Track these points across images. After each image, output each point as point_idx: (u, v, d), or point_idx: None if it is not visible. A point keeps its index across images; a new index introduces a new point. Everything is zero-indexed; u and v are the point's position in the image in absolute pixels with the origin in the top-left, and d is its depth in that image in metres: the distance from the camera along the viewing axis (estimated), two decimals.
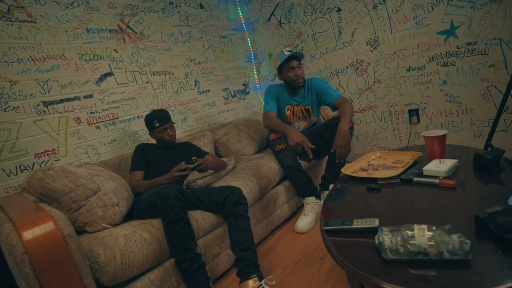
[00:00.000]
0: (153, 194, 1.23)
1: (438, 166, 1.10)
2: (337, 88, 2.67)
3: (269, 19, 2.92)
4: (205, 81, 2.64)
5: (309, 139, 1.93)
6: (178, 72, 2.42)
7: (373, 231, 0.78)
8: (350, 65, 2.54)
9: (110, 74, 1.97)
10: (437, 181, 1.00)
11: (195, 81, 2.55)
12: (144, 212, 1.34)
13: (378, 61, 2.40)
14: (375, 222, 0.80)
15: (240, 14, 3.06)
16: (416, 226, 0.69)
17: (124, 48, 2.06)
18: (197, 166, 1.55)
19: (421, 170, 1.12)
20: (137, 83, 2.12)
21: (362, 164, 1.41)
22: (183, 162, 1.53)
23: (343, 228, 0.83)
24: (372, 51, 2.40)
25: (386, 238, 0.72)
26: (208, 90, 2.66)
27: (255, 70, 3.18)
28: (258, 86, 3.21)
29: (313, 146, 1.64)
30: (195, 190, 1.52)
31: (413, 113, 2.34)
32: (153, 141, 1.89)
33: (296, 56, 1.88)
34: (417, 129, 2.36)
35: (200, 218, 1.34)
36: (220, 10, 2.88)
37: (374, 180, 1.16)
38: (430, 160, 1.21)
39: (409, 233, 0.69)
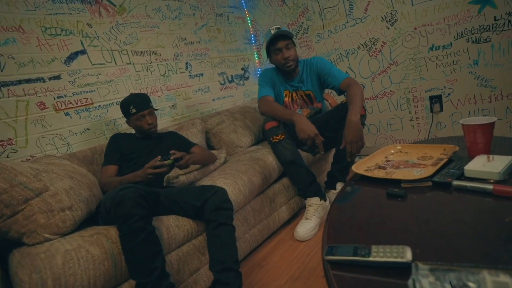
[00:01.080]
0: (108, 197, 0.97)
1: (487, 165, 0.80)
2: (346, 72, 2.35)
3: None
4: (197, 64, 2.35)
5: (317, 127, 1.65)
6: (166, 53, 2.13)
7: (403, 268, 0.50)
8: (363, 45, 2.22)
9: (83, 52, 1.70)
10: (490, 186, 0.70)
11: (186, 63, 2.27)
12: (106, 218, 1.09)
13: (395, 40, 2.06)
14: (406, 254, 0.52)
15: None
16: (486, 273, 0.41)
17: (100, 23, 1.78)
18: (176, 161, 1.29)
19: (462, 170, 0.83)
20: (116, 64, 1.85)
21: (379, 160, 1.12)
22: (159, 157, 1.26)
23: (356, 260, 0.55)
24: (389, 28, 2.07)
25: (427, 285, 0.44)
26: (202, 74, 2.37)
27: (255, 52, 2.87)
28: (259, 71, 2.90)
29: (323, 139, 1.36)
30: (170, 190, 1.25)
31: (435, 100, 2.02)
32: (133, 131, 1.63)
33: (284, 35, 1.57)
34: (439, 119, 2.04)
35: (173, 226, 1.08)
36: None
37: (396, 182, 0.88)
38: (470, 157, 0.91)
39: (471, 281, 0.41)
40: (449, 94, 1.96)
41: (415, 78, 2.06)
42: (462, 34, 1.82)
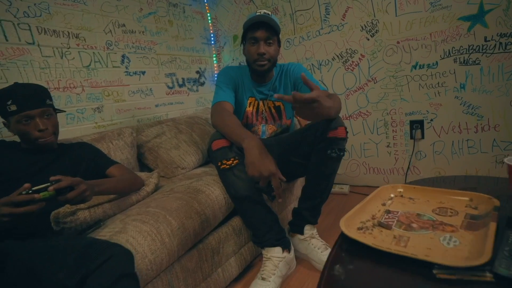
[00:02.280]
0: None
1: None
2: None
3: None
4: (138, 59, 1.86)
5: (278, 151, 1.25)
6: (94, 39, 1.62)
7: None
8: (338, 56, 1.92)
9: None
10: None
11: (123, 56, 1.77)
12: None
13: (375, 53, 1.80)
14: None
15: None
16: None
17: None
18: (59, 193, 0.79)
19: None
20: (7, 40, 1.30)
21: (375, 210, 0.74)
22: (26, 185, 0.76)
23: None
24: (368, 39, 1.80)
25: None
26: (143, 72, 1.88)
27: (214, 55, 2.45)
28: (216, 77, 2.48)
29: (284, 179, 0.95)
30: (38, 247, 0.74)
31: (416, 125, 1.76)
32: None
33: (269, 25, 1.18)
34: (420, 147, 1.78)
35: None
36: None
37: (418, 262, 0.49)
38: None
39: None
40: (431, 120, 1.72)
41: (395, 99, 1.79)
42: (449, 53, 1.60)
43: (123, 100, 1.76)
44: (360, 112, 1.93)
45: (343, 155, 1.15)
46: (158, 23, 2.00)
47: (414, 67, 1.70)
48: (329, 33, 1.92)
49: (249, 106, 1.37)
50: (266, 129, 1.41)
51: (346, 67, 1.90)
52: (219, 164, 1.07)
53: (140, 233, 0.83)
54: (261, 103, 1.37)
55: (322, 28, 1.94)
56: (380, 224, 0.66)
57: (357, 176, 2.03)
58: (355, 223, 0.67)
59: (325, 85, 2.00)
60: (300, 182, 1.60)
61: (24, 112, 1.01)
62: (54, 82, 1.45)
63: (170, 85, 2.08)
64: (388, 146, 1.88)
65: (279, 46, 1.28)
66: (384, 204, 0.77)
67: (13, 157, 1.05)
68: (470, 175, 1.62)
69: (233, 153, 1.07)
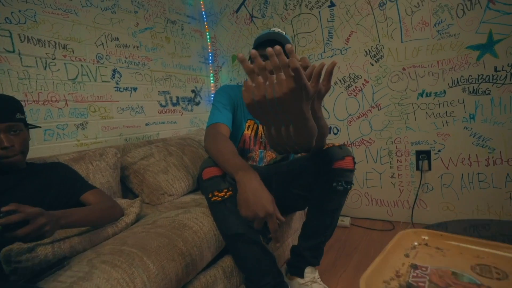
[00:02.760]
0: None
1: None
2: None
3: (237, 10, 2.18)
4: (131, 75, 1.75)
5: (276, 181, 1.13)
6: (83, 51, 1.51)
7: None
8: (341, 80, 1.85)
9: None
10: None
11: (114, 70, 1.66)
12: None
13: (380, 79, 1.72)
14: None
15: (201, 0, 2.30)
16: None
17: None
18: (7, 229, 0.65)
19: None
20: None
21: (398, 264, 0.60)
22: None
23: None
24: (373, 65, 1.73)
25: None
26: (135, 89, 1.77)
27: (212, 75, 2.37)
28: (213, 96, 2.39)
29: (283, 219, 0.81)
30: None
31: (423, 156, 1.65)
32: None
33: (280, 43, 1.08)
34: (427, 179, 1.67)
35: None
36: None
37: None
38: None
39: None
40: (439, 151, 1.62)
41: (401, 127, 1.70)
42: (457, 82, 1.53)
43: (110, 117, 1.63)
44: (363, 139, 1.82)
45: (350, 188, 1.03)
46: (155, 39, 1.92)
47: (421, 94, 1.62)
48: (331, 56, 1.86)
49: (247, 129, 1.25)
50: (264, 156, 1.29)
51: (349, 92, 1.82)
52: (210, 195, 0.93)
53: (108, 282, 0.67)
54: (260, 126, 1.25)
55: (324, 52, 1.88)
56: (409, 286, 0.52)
57: (359, 208, 1.89)
58: (377, 284, 0.53)
59: (326, 110, 1.91)
60: (299, 215, 1.45)
61: None
62: (33, 94, 1.32)
63: (163, 103, 1.96)
64: (392, 176, 1.77)
65: None
66: (407, 256, 0.64)
67: None
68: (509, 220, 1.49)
69: (227, 183, 0.93)
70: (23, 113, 0.98)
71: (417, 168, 1.68)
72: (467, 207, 1.58)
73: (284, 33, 1.12)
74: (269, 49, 0.60)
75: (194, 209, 1.03)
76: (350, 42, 1.78)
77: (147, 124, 1.84)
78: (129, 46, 1.75)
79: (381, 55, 1.70)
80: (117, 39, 1.68)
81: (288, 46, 0.58)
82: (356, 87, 1.80)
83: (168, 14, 2.04)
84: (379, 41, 1.70)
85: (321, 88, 0.71)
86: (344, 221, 1.81)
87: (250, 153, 1.28)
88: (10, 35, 1.26)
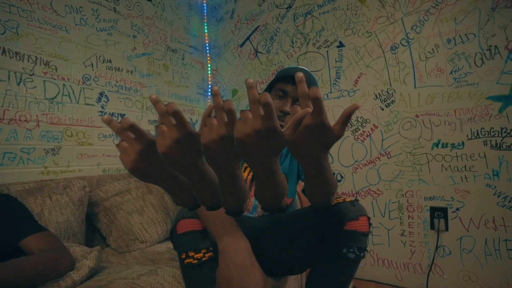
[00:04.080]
0: None
1: None
2: None
3: (242, 45, 2.12)
4: (119, 100, 1.61)
5: (271, 238, 0.92)
6: (68, 69, 1.38)
7: None
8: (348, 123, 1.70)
9: None
10: None
11: (101, 93, 1.51)
12: None
13: (390, 125, 1.58)
14: None
15: (206, 32, 2.25)
16: None
17: None
18: None
19: None
20: None
21: None
22: None
23: None
24: (383, 109, 1.61)
25: None
26: (122, 115, 1.61)
27: None
28: None
29: None
30: None
31: (439, 214, 1.45)
32: None
33: (308, 82, 0.91)
34: (443, 241, 1.45)
35: None
36: (178, 15, 2.04)
37: None
38: None
39: None
40: (457, 209, 1.42)
41: (413, 179, 1.52)
42: (478, 134, 1.39)
43: (89, 143, 1.44)
44: (369, 189, 1.63)
45: (364, 256, 0.81)
46: (152, 66, 1.81)
47: (436, 145, 1.47)
48: (338, 98, 1.74)
49: (244, 171, 1.06)
50: (259, 204, 1.08)
51: (356, 136, 1.67)
52: (183, 256, 0.71)
53: None
54: None
55: (331, 92, 1.76)
56: None
57: (362, 267, 1.64)
58: None
59: (330, 154, 1.75)
60: (295, 280, 1.20)
61: None
62: None
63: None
64: (402, 234, 1.54)
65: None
66: None
67: None
68: None
69: (207, 241, 0.71)
70: None
71: (432, 227, 1.47)
72: (493, 279, 1.34)
73: (309, 71, 0.97)
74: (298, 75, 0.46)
75: (163, 269, 0.80)
76: (359, 84, 1.68)
77: None
78: (122, 69, 1.62)
79: (392, 100, 1.58)
80: (110, 61, 1.56)
81: (248, 80, 0.42)
82: (363, 131, 1.65)
83: (169, 42, 1.96)
84: (390, 85, 1.59)
85: (330, 133, 0.54)
86: None
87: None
88: None
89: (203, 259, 0.70)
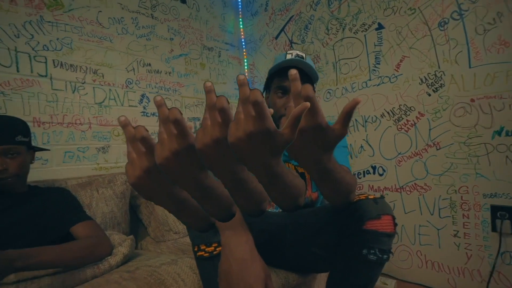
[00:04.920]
0: None
1: None
2: (361, 147, 1.67)
3: (277, 37, 2.08)
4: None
5: (292, 235, 0.90)
6: (113, 76, 1.53)
7: None
8: (389, 112, 1.56)
9: None
10: None
11: (142, 95, 1.65)
12: None
13: (439, 112, 1.40)
14: None
15: (241, 27, 2.27)
16: None
17: (8, 10, 1.22)
18: None
19: None
20: (18, 71, 1.23)
21: None
22: None
23: None
24: (430, 95, 1.43)
25: None
26: None
27: None
28: None
29: None
30: None
31: (503, 214, 1.25)
32: None
33: (302, 71, 0.88)
34: (509, 246, 1.25)
35: None
36: (212, 14, 2.10)
37: None
38: None
39: None
40: None
41: (468, 173, 1.33)
42: None
43: None
44: (415, 184, 1.48)
45: (387, 259, 0.75)
46: (188, 65, 1.90)
47: (498, 133, 1.26)
48: (378, 85, 1.60)
49: None
50: None
51: (399, 126, 1.53)
52: (196, 249, 0.74)
53: None
54: None
55: (370, 79, 1.63)
56: None
57: (409, 269, 1.51)
58: None
59: (370, 145, 1.63)
60: (324, 277, 1.17)
61: None
62: (58, 116, 1.33)
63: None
64: (456, 235, 1.37)
65: None
66: None
67: None
68: None
69: (219, 236, 0.74)
70: (26, 135, 0.95)
71: (493, 229, 1.27)
72: None
73: (305, 55, 0.93)
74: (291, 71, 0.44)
75: (183, 260, 0.85)
76: (401, 68, 1.52)
77: None
78: (161, 71, 1.74)
79: (440, 84, 1.39)
80: (149, 64, 1.69)
81: (239, 77, 0.38)
82: (407, 120, 1.50)
83: (205, 41, 2.02)
84: (439, 67, 1.40)
85: (330, 133, 0.50)
86: (387, 284, 1.44)
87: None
88: (45, 61, 1.31)
89: (214, 252, 0.72)
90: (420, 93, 1.46)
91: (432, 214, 1.43)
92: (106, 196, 1.19)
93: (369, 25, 1.62)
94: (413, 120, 1.48)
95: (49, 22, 1.32)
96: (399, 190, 1.53)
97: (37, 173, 1.21)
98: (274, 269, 0.96)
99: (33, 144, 1.01)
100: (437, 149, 1.41)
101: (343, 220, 0.77)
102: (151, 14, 1.72)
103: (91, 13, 1.46)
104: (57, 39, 1.35)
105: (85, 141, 1.41)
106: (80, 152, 1.39)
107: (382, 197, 0.79)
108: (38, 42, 1.29)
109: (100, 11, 1.50)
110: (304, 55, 0.93)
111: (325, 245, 0.85)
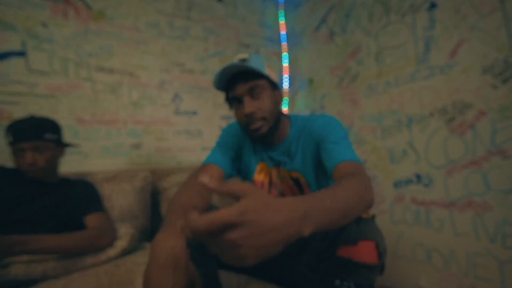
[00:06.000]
0: None
1: None
2: (403, 152, 1.41)
3: (317, 28, 1.93)
4: (192, 99, 1.78)
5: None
6: (148, 77, 1.64)
7: None
8: (440, 111, 1.28)
9: (21, 54, 1.32)
10: None
11: (175, 95, 1.72)
12: None
13: (508, 110, 1.08)
14: None
15: (282, 20, 2.17)
16: None
17: (62, 26, 1.41)
18: None
19: None
20: (67, 76, 1.42)
21: None
22: None
23: None
24: (496, 88, 1.11)
25: None
26: (194, 112, 1.79)
27: (285, 99, 2.17)
28: None
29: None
30: None
31: None
32: None
33: (243, 73, 0.80)
34: None
35: None
36: (250, 10, 2.06)
37: None
38: None
39: None
40: None
41: None
42: None
43: (165, 139, 1.68)
44: (471, 201, 1.18)
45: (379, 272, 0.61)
46: (223, 63, 1.88)
47: None
48: (427, 77, 1.32)
49: (259, 173, 0.99)
50: None
51: (452, 128, 1.23)
52: None
53: None
54: (274, 171, 0.96)
55: (418, 71, 1.36)
56: None
57: None
58: None
59: (414, 150, 1.36)
60: None
61: (16, 144, 1.00)
62: (98, 115, 1.49)
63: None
64: None
65: (277, 89, 0.87)
66: None
67: (10, 184, 1.04)
68: None
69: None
70: (55, 132, 1.08)
71: None
72: None
73: (246, 58, 0.80)
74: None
75: None
76: (458, 55, 1.22)
77: (203, 149, 1.81)
78: (194, 71, 1.79)
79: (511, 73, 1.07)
80: (182, 65, 1.75)
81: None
82: (463, 121, 1.20)
83: (242, 38, 2.00)
84: (511, 50, 1.07)
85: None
86: None
87: None
88: (88, 67, 1.48)
89: None
90: (482, 86, 1.15)
91: (492, 242, 1.12)
92: (126, 190, 1.28)
93: (419, 4, 1.35)
94: (470, 121, 1.18)
95: (93, 31, 1.48)
96: (448, 206, 1.24)
97: (77, 166, 1.39)
98: (264, 283, 0.89)
99: (67, 140, 1.15)
100: (503, 159, 1.09)
101: (319, 241, 0.66)
102: (187, 16, 1.78)
103: (129, 20, 1.59)
104: (100, 46, 1.51)
105: (120, 138, 1.55)
106: (116, 148, 1.54)
107: (372, 218, 0.64)
108: (85, 50, 1.47)
109: (138, 18, 1.62)
110: (246, 57, 0.80)
111: (308, 264, 0.74)
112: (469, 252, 1.18)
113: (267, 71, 0.83)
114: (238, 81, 0.80)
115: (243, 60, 0.79)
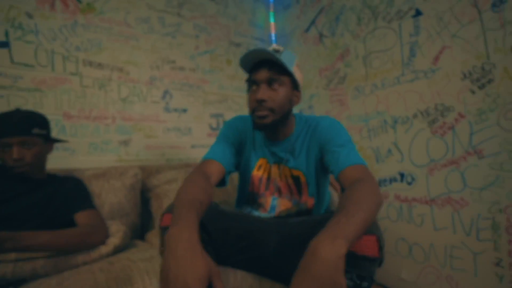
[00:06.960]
0: None
1: None
2: (388, 151, 1.48)
3: (307, 30, 1.97)
4: (183, 96, 1.78)
5: (276, 244, 0.85)
6: (138, 73, 1.62)
7: None
8: (422, 113, 1.35)
9: (4, 44, 1.27)
10: None
11: (165, 92, 1.71)
12: None
13: (485, 114, 1.16)
14: None
15: (272, 21, 2.20)
16: None
17: (48, 17, 1.37)
18: None
19: None
20: (53, 70, 1.38)
21: None
22: None
23: None
24: (474, 92, 1.19)
25: None
26: (184, 110, 1.78)
27: None
28: None
29: None
30: None
31: None
32: None
33: (269, 61, 0.85)
34: None
35: None
36: (241, 9, 2.07)
37: None
38: None
39: None
40: None
41: None
42: None
43: (154, 136, 1.67)
44: (449, 198, 1.26)
45: (368, 286, 0.64)
46: (214, 62, 1.91)
47: None
48: (412, 81, 1.39)
49: (258, 170, 1.01)
50: (278, 204, 1.01)
51: (434, 129, 1.31)
52: (161, 249, 0.73)
53: None
54: (274, 168, 0.99)
55: (403, 74, 1.43)
56: None
57: None
58: None
59: (398, 150, 1.43)
60: None
61: (2, 139, 0.96)
62: (86, 111, 1.46)
63: (214, 126, 1.91)
64: (498, 264, 1.13)
65: (298, 90, 0.91)
66: None
67: None
68: None
69: None
70: (43, 128, 1.05)
71: None
72: None
73: (280, 50, 0.85)
74: None
75: (158, 258, 0.86)
76: (440, 61, 1.29)
77: (193, 147, 1.81)
78: (185, 69, 1.78)
79: (489, 79, 1.15)
80: (173, 62, 1.74)
81: None
82: (444, 123, 1.27)
83: (232, 37, 2.01)
84: (488, 58, 1.15)
85: None
86: None
87: (259, 199, 1.02)
88: (77, 61, 1.44)
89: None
90: (461, 91, 1.23)
91: (468, 235, 1.20)
92: (116, 187, 1.27)
93: (405, 11, 1.42)
94: (451, 123, 1.25)
95: (82, 25, 1.45)
96: (429, 202, 1.32)
97: (64, 162, 1.35)
98: (259, 278, 0.92)
99: (54, 136, 1.12)
100: (480, 158, 1.17)
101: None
102: (178, 13, 1.77)
103: (119, 14, 1.56)
104: (89, 40, 1.47)
105: (108, 135, 1.52)
106: (104, 145, 1.51)
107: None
108: (72, 44, 1.43)
109: (128, 12, 1.59)
110: (280, 49, 0.86)
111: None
112: (447, 245, 1.26)
113: (294, 70, 0.86)
114: (263, 67, 0.83)
115: (277, 51, 0.83)
